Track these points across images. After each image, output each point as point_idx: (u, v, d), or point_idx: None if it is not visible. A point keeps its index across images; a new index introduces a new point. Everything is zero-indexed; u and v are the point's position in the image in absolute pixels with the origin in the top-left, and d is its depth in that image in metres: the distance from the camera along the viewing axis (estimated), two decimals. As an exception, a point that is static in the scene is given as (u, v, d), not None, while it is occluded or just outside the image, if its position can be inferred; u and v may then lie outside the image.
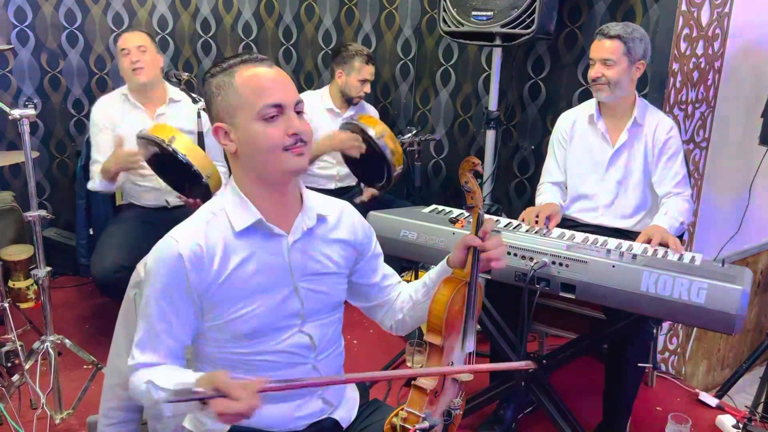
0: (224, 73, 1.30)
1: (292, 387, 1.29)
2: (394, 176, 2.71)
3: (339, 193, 3.14)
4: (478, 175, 1.41)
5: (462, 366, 1.45)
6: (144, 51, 2.68)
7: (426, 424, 1.32)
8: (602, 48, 2.31)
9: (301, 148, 1.28)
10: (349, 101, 3.20)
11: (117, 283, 2.46)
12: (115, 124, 2.73)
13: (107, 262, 2.51)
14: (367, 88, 3.19)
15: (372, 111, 3.45)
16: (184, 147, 2.23)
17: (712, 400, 2.60)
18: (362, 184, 3.11)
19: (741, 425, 2.34)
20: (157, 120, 2.73)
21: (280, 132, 1.26)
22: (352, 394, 1.55)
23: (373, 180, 2.87)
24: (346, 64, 3.12)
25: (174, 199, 2.67)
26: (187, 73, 2.61)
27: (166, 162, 2.32)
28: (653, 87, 2.79)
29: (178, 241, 1.27)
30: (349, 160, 2.95)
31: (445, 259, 1.48)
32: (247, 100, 1.26)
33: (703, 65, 2.85)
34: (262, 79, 1.28)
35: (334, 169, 3.19)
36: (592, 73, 2.34)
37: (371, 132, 2.65)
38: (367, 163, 2.80)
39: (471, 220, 1.44)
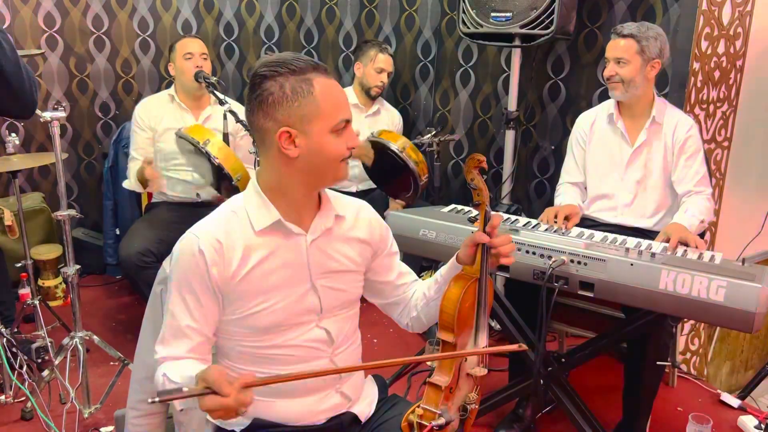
0: (297, 78, 1.27)
1: (279, 381, 1.21)
2: (420, 186, 2.78)
3: (361, 195, 3.16)
4: (484, 172, 1.42)
5: (466, 350, 1.45)
6: (205, 59, 2.87)
7: (442, 420, 1.34)
8: (616, 47, 2.34)
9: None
10: (367, 93, 3.27)
11: (141, 267, 2.56)
12: (155, 124, 2.87)
13: (136, 244, 2.61)
14: (384, 78, 3.26)
15: (396, 115, 3.47)
16: (218, 150, 2.33)
17: (734, 401, 2.58)
18: (388, 197, 3.16)
19: (763, 426, 2.33)
20: (203, 121, 2.88)
21: (343, 144, 1.32)
22: (371, 389, 1.57)
23: (400, 191, 2.92)
24: (363, 56, 3.26)
25: (205, 193, 2.75)
26: (215, 77, 2.72)
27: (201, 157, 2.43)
28: (674, 86, 2.78)
29: (199, 236, 1.31)
30: (375, 176, 3.03)
31: (454, 257, 1.49)
32: (328, 112, 1.29)
33: (724, 64, 2.83)
34: (336, 92, 1.32)
35: (357, 169, 3.24)
36: (606, 71, 2.38)
37: (393, 147, 2.72)
38: (393, 177, 2.88)
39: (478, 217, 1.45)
